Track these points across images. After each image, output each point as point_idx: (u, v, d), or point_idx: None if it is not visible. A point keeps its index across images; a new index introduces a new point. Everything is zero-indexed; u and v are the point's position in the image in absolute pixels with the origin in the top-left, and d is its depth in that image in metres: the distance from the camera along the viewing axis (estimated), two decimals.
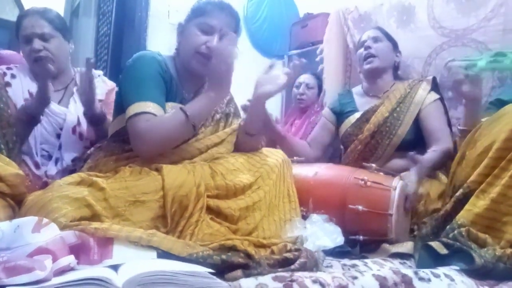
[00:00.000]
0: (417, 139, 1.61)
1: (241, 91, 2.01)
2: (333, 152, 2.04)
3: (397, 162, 1.62)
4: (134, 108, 1.11)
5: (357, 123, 1.71)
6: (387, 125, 1.63)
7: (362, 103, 1.77)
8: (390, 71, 1.76)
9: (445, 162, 1.54)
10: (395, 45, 1.77)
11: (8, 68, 1.46)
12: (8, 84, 1.41)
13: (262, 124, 1.27)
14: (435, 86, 1.69)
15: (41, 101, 1.32)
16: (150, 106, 1.11)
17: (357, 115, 1.73)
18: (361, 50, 1.76)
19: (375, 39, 1.73)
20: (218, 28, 1.20)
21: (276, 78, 1.18)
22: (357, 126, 1.71)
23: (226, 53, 1.11)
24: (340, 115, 1.82)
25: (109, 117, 1.43)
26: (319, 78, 2.57)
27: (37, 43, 1.42)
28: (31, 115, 1.33)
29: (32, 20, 1.43)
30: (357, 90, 1.86)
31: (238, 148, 1.27)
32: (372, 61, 1.70)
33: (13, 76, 1.44)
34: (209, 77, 1.18)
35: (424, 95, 1.64)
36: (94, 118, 1.43)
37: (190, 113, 1.11)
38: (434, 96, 1.65)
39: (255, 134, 1.24)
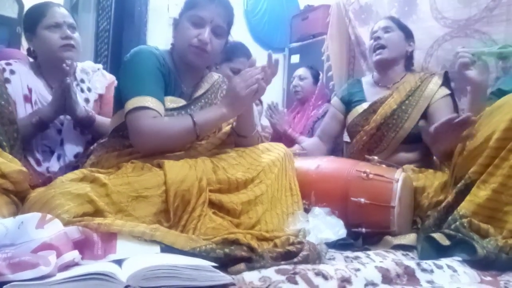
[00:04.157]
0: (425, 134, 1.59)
1: None
2: (336, 145, 2.04)
3: (403, 156, 1.61)
4: (133, 103, 1.11)
5: (364, 113, 1.68)
6: (394, 118, 1.60)
7: (371, 93, 1.74)
8: (402, 62, 1.71)
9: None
10: (408, 35, 1.72)
11: (8, 64, 1.45)
12: (7, 80, 1.40)
13: (252, 125, 1.26)
14: (446, 81, 1.64)
15: (57, 110, 1.36)
16: (148, 101, 1.12)
17: (364, 105, 1.70)
18: (371, 41, 1.72)
19: (386, 29, 1.68)
20: (208, 20, 1.19)
21: (252, 77, 1.13)
22: (363, 117, 1.68)
23: (251, 80, 1.12)
24: (348, 104, 1.79)
25: (110, 111, 1.43)
26: (313, 68, 2.59)
27: (69, 31, 1.45)
28: (44, 122, 1.35)
29: (62, 10, 1.49)
30: (367, 79, 1.83)
31: (236, 146, 1.27)
32: (381, 52, 1.66)
33: (12, 72, 1.43)
34: (227, 92, 1.17)
35: (435, 90, 1.60)
36: (80, 123, 1.44)
37: (198, 122, 1.12)
38: (444, 91, 1.60)
39: (247, 136, 1.25)
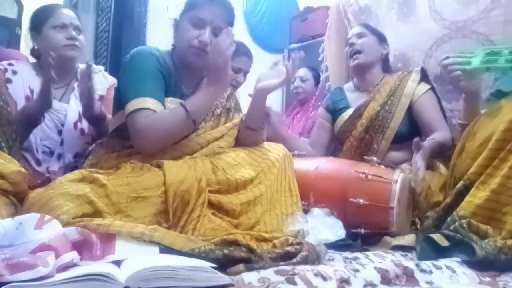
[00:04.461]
0: (412, 131, 1.61)
1: (243, 84, 2.01)
2: (334, 147, 2.04)
3: (394, 155, 1.62)
4: (134, 104, 1.11)
5: (350, 119, 1.72)
6: (379, 119, 1.63)
7: (354, 98, 1.78)
8: (379, 65, 1.76)
9: (446, 151, 1.53)
10: (381, 38, 1.77)
11: (10, 64, 1.45)
12: (8, 81, 1.40)
13: (263, 118, 1.27)
14: (424, 77, 1.68)
15: (42, 104, 1.33)
16: (149, 102, 1.11)
17: (349, 111, 1.74)
18: (347, 47, 1.78)
19: (359, 35, 1.74)
20: (209, 20, 1.19)
21: (278, 73, 1.19)
22: (350, 123, 1.72)
23: (222, 47, 1.12)
24: (334, 113, 1.83)
25: (111, 112, 1.43)
26: (314, 70, 2.60)
27: (74, 32, 1.47)
28: (31, 117, 1.34)
29: (69, 12, 1.51)
30: (348, 86, 1.87)
31: (240, 143, 1.27)
32: (358, 57, 1.71)
33: (14, 72, 1.43)
34: (207, 72, 1.18)
35: (414, 86, 1.64)
36: (94, 119, 1.44)
37: (190, 108, 1.11)
38: (425, 86, 1.65)
39: (256, 129, 1.24)
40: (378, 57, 1.75)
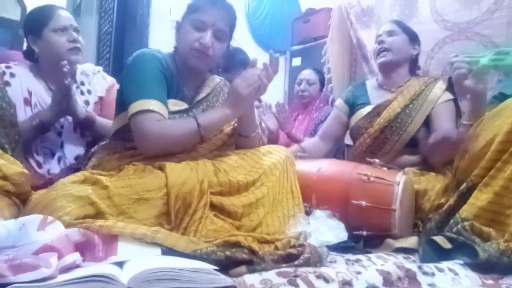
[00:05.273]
0: (427, 138, 1.57)
1: None
2: (337, 148, 2.04)
3: (406, 158, 1.61)
4: (137, 106, 1.12)
5: (368, 116, 1.69)
6: (398, 121, 1.60)
7: (375, 96, 1.74)
8: (406, 66, 1.72)
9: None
10: (413, 38, 1.72)
11: (7, 67, 1.45)
12: (7, 84, 1.40)
13: (254, 125, 1.26)
14: (450, 86, 1.64)
15: (58, 113, 1.35)
16: (152, 104, 1.12)
17: (368, 108, 1.71)
18: (376, 44, 1.74)
19: (390, 33, 1.70)
20: (210, 23, 1.20)
21: (252, 77, 1.15)
22: (367, 120, 1.69)
23: (253, 79, 1.13)
24: (352, 106, 1.79)
25: (111, 114, 1.43)
26: (320, 73, 2.58)
27: (75, 35, 1.47)
28: (45, 124, 1.35)
29: (67, 13, 1.50)
30: (371, 82, 1.83)
31: (238, 148, 1.27)
32: (385, 55, 1.67)
33: (12, 75, 1.43)
34: (229, 93, 1.18)
35: (439, 94, 1.60)
36: (80, 124, 1.44)
37: (202, 124, 1.12)
38: (448, 96, 1.61)
39: (248, 136, 1.25)
40: (406, 57, 1.70)
